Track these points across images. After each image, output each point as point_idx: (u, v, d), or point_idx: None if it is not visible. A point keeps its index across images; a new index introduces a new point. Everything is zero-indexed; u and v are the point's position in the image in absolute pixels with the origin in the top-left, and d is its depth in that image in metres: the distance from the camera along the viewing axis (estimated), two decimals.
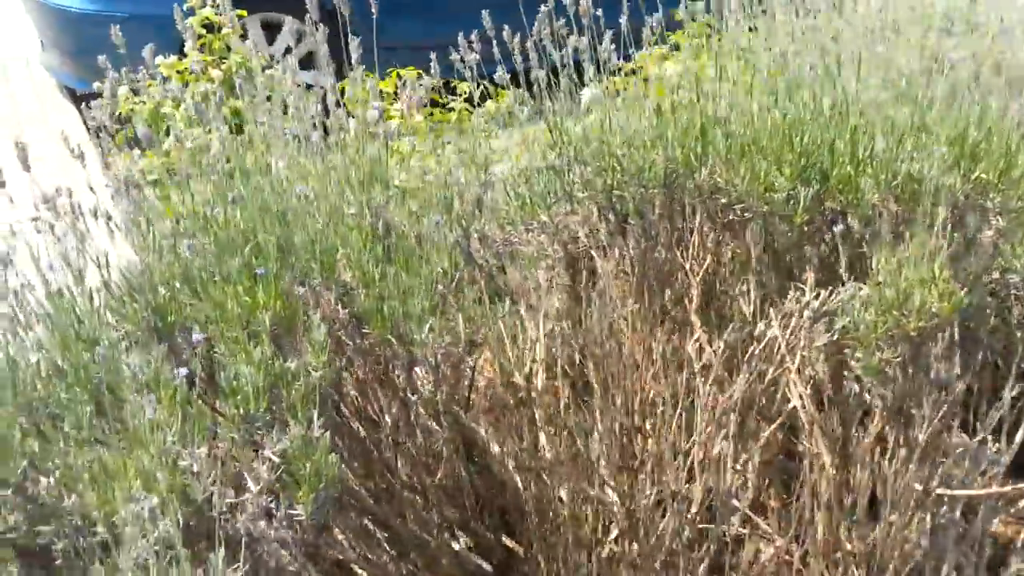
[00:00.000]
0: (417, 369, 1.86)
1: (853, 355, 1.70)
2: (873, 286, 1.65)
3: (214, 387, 1.82)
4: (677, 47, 3.26)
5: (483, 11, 2.41)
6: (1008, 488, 1.75)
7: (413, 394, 1.84)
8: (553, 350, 2.00)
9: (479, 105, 3.11)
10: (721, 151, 1.93)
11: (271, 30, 5.18)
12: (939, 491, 1.73)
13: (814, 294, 1.78)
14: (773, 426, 1.83)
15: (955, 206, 1.91)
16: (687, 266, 2.10)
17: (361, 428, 1.89)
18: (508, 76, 2.56)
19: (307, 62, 4.86)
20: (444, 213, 2.08)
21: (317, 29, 2.22)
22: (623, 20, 2.37)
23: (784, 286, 2.00)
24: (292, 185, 2.08)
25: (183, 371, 1.61)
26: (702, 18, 2.83)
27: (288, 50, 5.20)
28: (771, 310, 1.88)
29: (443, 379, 1.85)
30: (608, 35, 2.35)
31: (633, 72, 3.29)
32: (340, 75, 2.34)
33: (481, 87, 3.00)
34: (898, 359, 1.64)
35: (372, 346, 1.87)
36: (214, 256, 1.84)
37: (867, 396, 1.72)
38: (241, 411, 1.71)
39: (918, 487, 1.69)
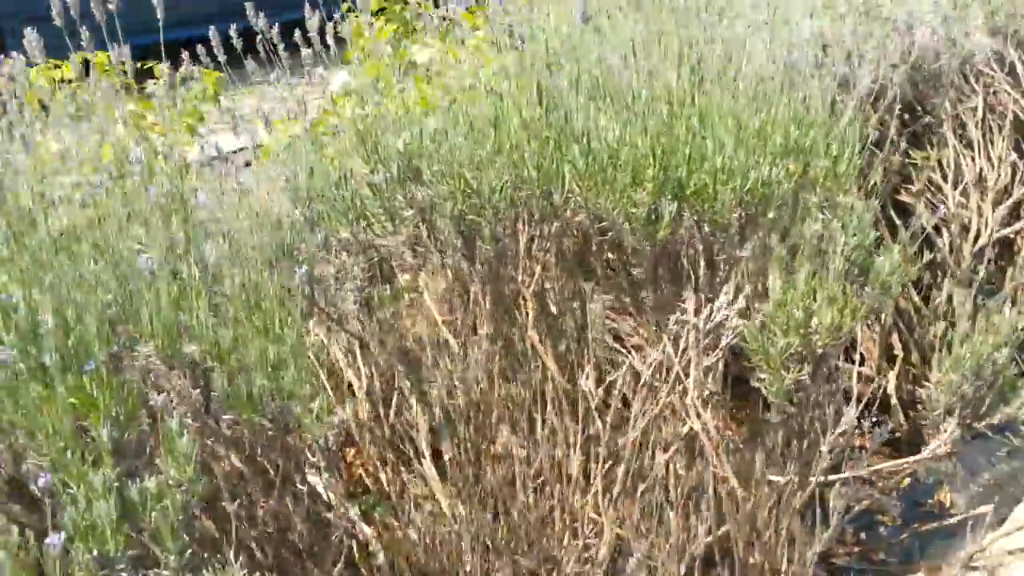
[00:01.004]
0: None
1: (756, 377, 1.70)
2: (777, 307, 1.65)
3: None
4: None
5: None
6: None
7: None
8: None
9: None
10: (580, 168, 1.82)
11: None
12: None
13: (706, 312, 1.75)
14: (667, 453, 1.80)
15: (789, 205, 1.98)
16: (528, 287, 1.99)
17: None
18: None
19: None
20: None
21: None
22: None
23: (639, 301, 1.97)
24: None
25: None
26: None
27: None
28: (640, 330, 1.84)
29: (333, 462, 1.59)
30: None
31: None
32: None
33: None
34: (804, 376, 1.67)
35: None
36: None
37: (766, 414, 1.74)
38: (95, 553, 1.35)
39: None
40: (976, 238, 3.18)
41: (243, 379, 1.54)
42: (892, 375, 2.97)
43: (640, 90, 1.95)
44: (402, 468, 1.95)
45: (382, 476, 1.94)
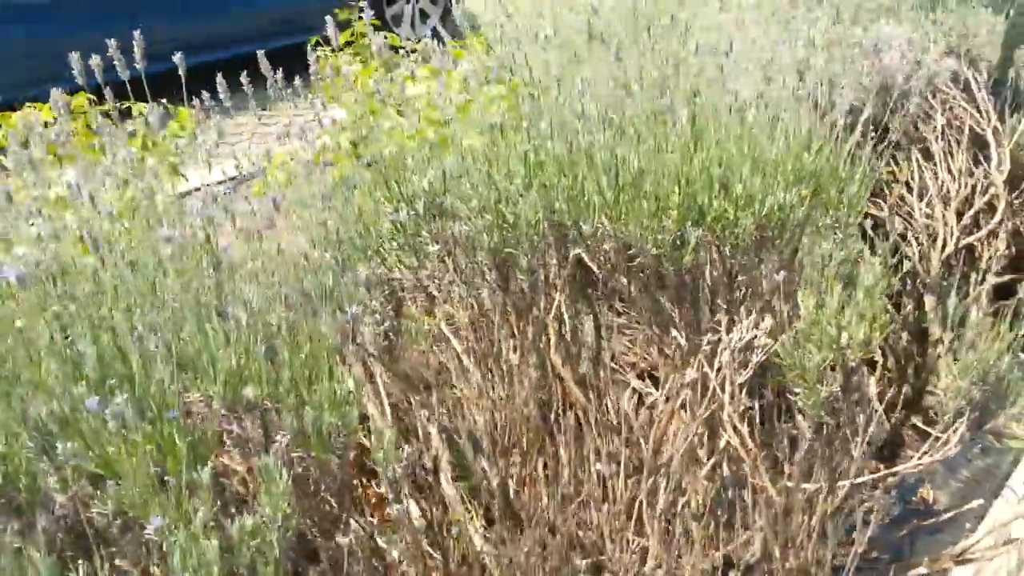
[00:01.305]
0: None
1: (791, 391, 1.80)
2: (811, 324, 1.75)
3: None
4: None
5: None
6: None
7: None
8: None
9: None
10: (608, 198, 1.91)
11: None
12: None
13: (739, 331, 1.84)
14: (706, 466, 1.89)
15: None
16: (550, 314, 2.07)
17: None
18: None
19: None
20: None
21: None
22: None
23: (668, 323, 2.06)
24: None
25: None
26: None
27: None
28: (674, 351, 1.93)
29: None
30: None
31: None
32: None
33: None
34: (837, 388, 1.77)
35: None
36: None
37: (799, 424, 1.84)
38: None
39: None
40: (943, 247, 3.36)
41: (312, 417, 1.59)
42: (872, 380, 3.11)
43: (650, 120, 2.05)
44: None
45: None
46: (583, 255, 1.99)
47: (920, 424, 3.14)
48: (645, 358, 2.76)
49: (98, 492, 1.50)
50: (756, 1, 2.99)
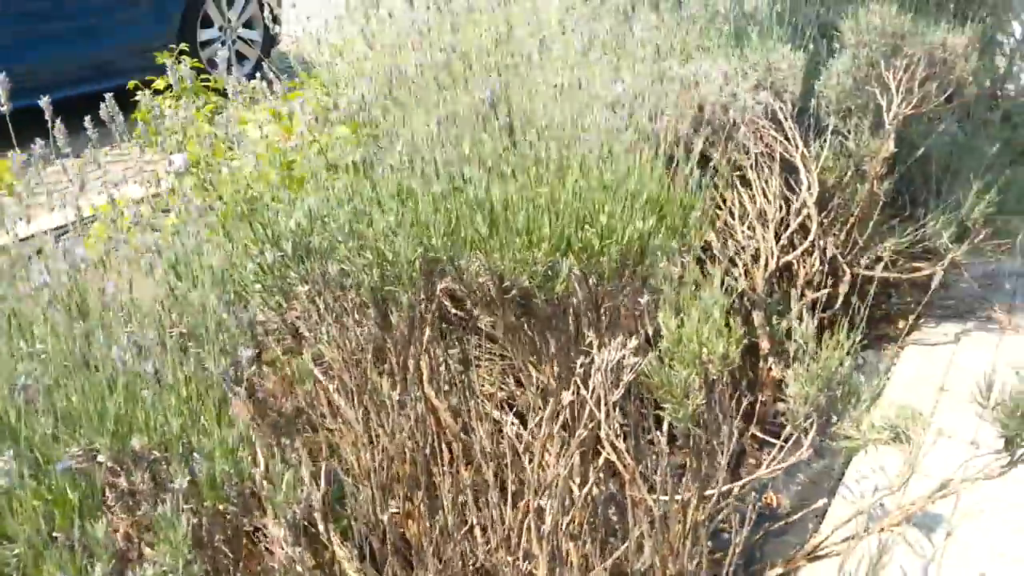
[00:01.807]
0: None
1: (659, 407, 1.92)
2: (673, 343, 1.88)
3: None
4: None
5: None
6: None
7: None
8: None
9: None
10: (483, 233, 1.99)
11: None
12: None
13: (610, 352, 1.95)
14: (585, 489, 1.98)
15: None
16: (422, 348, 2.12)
17: None
18: None
19: None
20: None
21: None
22: None
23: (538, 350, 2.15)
24: None
25: None
26: None
27: None
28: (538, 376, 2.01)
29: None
30: None
31: None
32: None
33: None
34: (703, 402, 1.91)
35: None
36: None
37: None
38: None
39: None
40: (765, 266, 3.63)
41: (203, 466, 1.57)
42: None
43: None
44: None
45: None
46: (457, 288, 2.06)
47: (759, 433, 3.37)
48: (502, 388, 2.85)
49: None
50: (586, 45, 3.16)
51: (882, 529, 2.38)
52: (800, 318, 2.66)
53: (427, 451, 2.09)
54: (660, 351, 1.91)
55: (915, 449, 2.37)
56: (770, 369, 3.45)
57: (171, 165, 3.04)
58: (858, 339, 2.21)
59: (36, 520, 1.40)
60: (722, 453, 1.95)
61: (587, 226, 2.06)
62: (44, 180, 2.20)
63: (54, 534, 1.44)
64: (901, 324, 4.23)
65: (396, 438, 1.97)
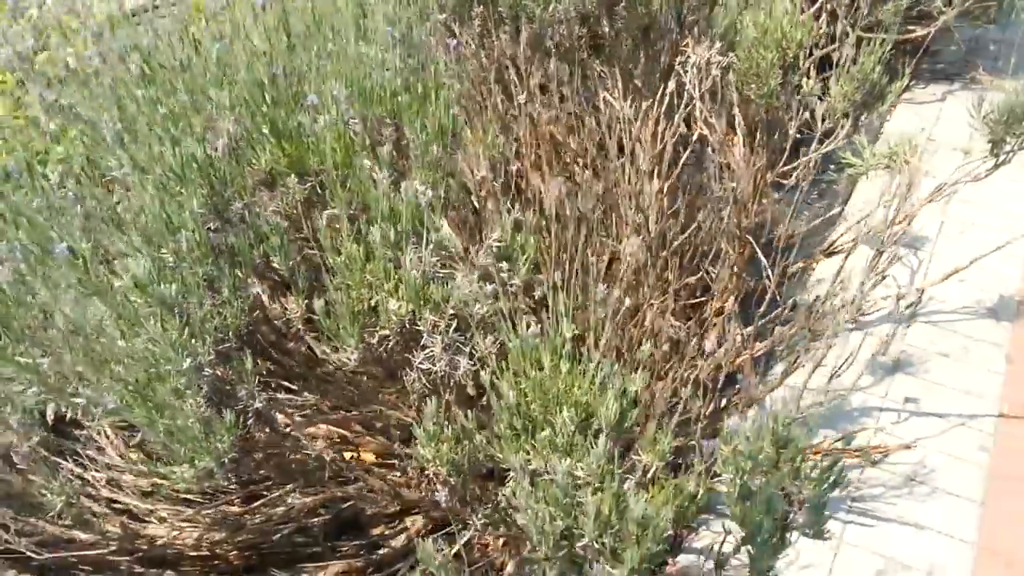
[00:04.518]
0: None
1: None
2: (761, 33, 2.42)
3: None
4: None
5: None
6: None
7: None
8: None
9: None
10: None
11: None
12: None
13: (703, 50, 2.49)
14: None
15: None
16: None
17: None
18: None
19: None
20: None
21: None
22: None
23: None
24: None
25: None
26: None
27: None
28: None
29: None
30: None
31: None
32: None
33: None
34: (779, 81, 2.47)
35: None
36: None
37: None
38: None
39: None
40: None
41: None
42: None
43: None
44: None
45: None
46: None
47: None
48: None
49: None
50: None
51: (890, 225, 2.98)
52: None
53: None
54: (742, 49, 2.46)
55: (914, 170, 2.91)
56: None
57: None
58: (888, 48, 2.76)
59: (333, 156, 1.98)
60: (790, 121, 2.53)
61: None
62: None
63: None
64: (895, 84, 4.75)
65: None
